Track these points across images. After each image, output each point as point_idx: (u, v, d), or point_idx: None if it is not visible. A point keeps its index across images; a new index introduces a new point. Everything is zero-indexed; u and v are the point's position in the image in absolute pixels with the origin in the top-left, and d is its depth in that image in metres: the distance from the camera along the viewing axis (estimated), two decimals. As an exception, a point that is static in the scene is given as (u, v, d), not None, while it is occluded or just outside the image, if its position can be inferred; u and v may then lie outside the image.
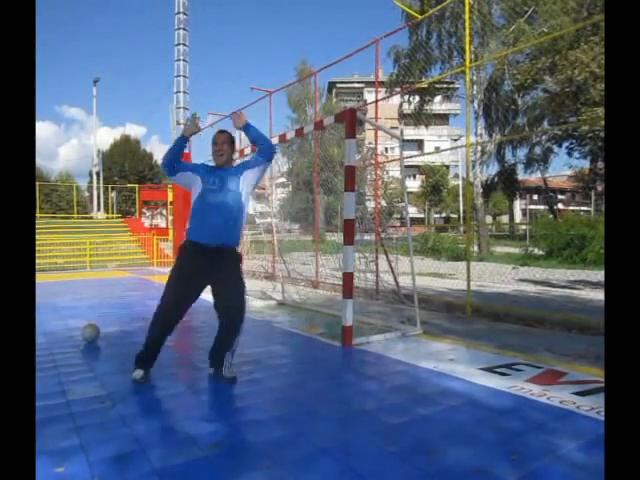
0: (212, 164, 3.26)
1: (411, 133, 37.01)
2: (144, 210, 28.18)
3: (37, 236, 13.36)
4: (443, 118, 40.07)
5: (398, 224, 12.62)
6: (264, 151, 3.12)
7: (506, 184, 25.01)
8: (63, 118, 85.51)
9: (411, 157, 26.13)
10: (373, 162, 7.34)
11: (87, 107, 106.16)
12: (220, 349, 3.09)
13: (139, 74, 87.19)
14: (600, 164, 21.73)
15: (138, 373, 3.00)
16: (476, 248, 17.01)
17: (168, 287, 2.98)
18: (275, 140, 5.33)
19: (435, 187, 39.43)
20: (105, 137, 70.13)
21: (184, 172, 3.12)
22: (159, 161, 40.91)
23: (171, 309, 2.96)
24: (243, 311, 3.05)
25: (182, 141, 3.13)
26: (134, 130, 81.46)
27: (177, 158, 3.11)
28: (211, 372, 3.16)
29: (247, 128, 3.11)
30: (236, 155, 6.16)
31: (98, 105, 33.27)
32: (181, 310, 3.00)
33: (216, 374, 3.09)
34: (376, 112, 7.40)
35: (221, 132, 3.20)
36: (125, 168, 37.06)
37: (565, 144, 22.93)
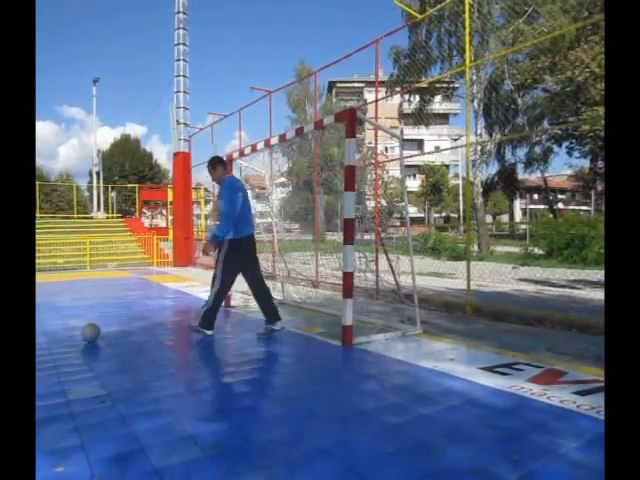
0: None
1: (411, 133, 37.03)
2: (144, 210, 28.19)
3: (37, 236, 13.36)
4: (443, 118, 40.08)
5: (398, 224, 12.61)
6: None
7: (506, 183, 25.04)
8: (63, 118, 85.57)
9: (411, 157, 26.13)
10: (373, 162, 7.34)
11: (87, 107, 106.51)
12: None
13: (139, 74, 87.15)
14: (600, 163, 21.75)
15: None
16: (476, 247, 17.01)
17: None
18: (275, 140, 5.34)
19: (435, 186, 39.43)
20: (105, 137, 70.27)
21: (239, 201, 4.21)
22: (159, 161, 41.12)
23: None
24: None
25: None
26: (134, 130, 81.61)
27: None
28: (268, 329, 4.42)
29: (215, 238, 4.13)
30: (236, 154, 6.16)
31: (98, 105, 33.28)
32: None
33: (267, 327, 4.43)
34: (376, 112, 7.39)
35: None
36: (125, 168, 37.06)
37: (565, 143, 22.98)
